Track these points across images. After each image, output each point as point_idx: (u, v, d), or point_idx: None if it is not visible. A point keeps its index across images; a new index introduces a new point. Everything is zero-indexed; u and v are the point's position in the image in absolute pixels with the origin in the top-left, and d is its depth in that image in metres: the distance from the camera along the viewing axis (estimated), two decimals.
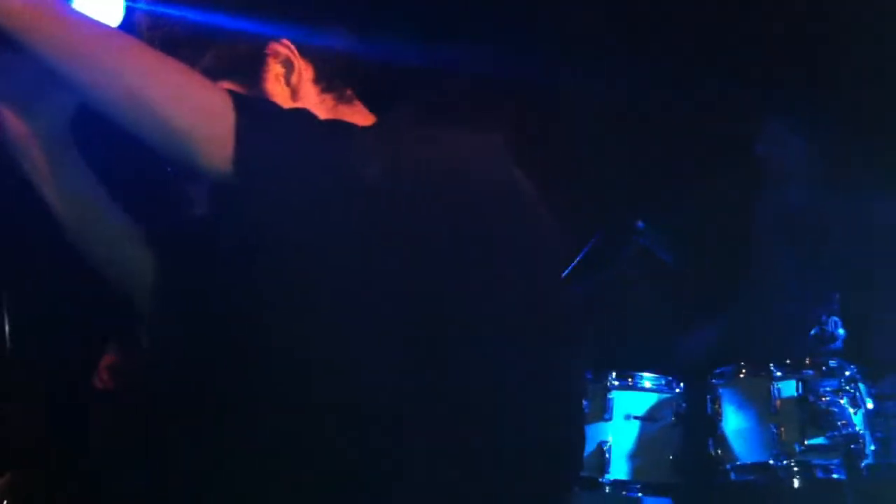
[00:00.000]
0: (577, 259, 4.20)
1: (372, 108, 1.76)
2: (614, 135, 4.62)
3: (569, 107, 4.50)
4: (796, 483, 3.69)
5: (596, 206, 4.52)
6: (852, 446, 3.68)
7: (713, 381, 4.01)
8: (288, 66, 1.65)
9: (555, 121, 4.51)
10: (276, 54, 1.65)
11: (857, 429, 3.69)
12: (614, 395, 4.02)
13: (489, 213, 1.56)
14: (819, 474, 3.70)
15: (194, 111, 1.37)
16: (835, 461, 3.68)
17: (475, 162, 1.60)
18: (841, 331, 3.96)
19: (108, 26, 1.48)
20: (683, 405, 4.04)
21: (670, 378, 4.11)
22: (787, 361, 3.89)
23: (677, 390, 4.08)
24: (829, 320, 3.97)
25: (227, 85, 1.56)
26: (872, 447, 3.72)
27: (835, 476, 3.68)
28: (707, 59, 4.42)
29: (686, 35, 4.44)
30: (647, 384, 4.09)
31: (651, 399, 4.05)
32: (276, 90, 1.65)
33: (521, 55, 4.06)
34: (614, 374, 4.06)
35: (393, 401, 1.44)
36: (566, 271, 4.09)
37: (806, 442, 3.72)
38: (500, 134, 1.68)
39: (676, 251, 4.51)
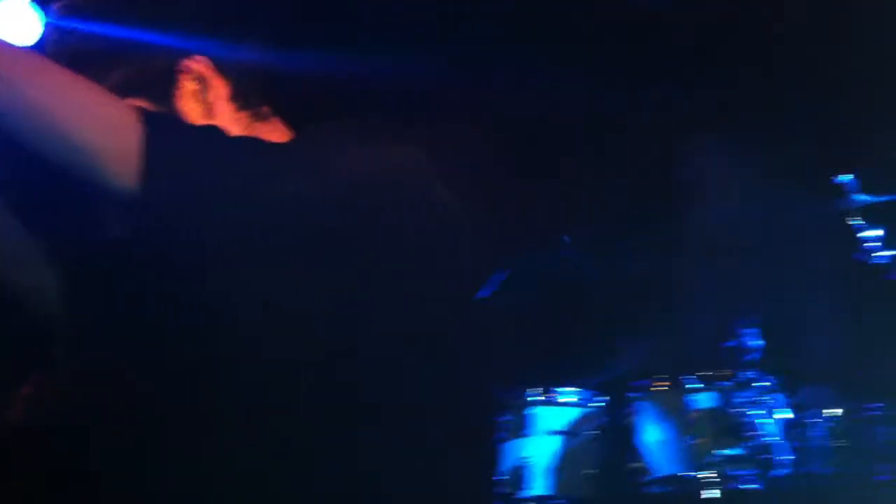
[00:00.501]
0: (502, 273, 4.20)
1: (292, 124, 1.73)
2: (543, 149, 4.63)
3: (498, 121, 4.50)
4: (713, 494, 3.73)
5: (522, 221, 4.52)
6: (768, 456, 3.74)
7: (631, 394, 4.04)
8: (202, 82, 1.62)
9: (484, 134, 4.49)
10: (190, 71, 1.62)
11: (774, 439, 3.76)
12: (534, 410, 4.03)
13: (407, 228, 1.56)
14: (735, 485, 3.74)
15: (100, 128, 1.35)
16: (751, 471, 3.74)
17: (394, 178, 1.60)
18: (758, 342, 4.04)
19: (10, 44, 1.44)
20: (603, 419, 4.06)
21: (590, 392, 4.13)
22: (705, 373, 3.94)
23: (597, 404, 4.10)
24: (747, 332, 4.05)
25: (137, 102, 1.53)
26: (789, 457, 3.78)
27: (751, 486, 3.73)
28: (635, 75, 4.45)
29: (615, 50, 4.46)
30: (568, 399, 4.11)
31: (571, 414, 4.07)
32: (190, 107, 1.61)
33: (451, 66, 4.04)
34: (535, 388, 4.08)
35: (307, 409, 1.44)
36: (491, 286, 4.10)
37: (722, 453, 3.77)
38: (423, 148, 1.68)
39: (601, 266, 4.56)
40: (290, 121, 1.74)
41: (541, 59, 4.35)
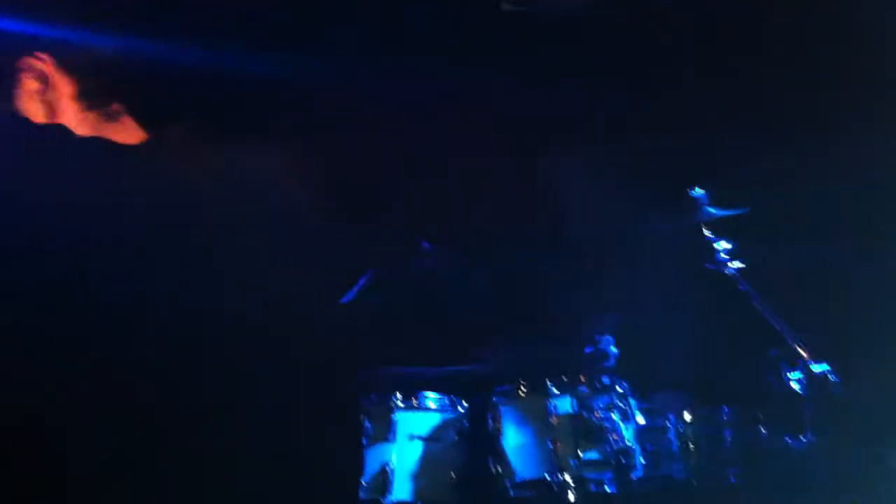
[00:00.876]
0: (366, 277, 4.19)
1: (147, 124, 1.69)
2: (406, 155, 4.61)
3: (363, 120, 4.46)
4: (571, 497, 3.80)
5: (386, 226, 4.49)
6: (623, 460, 3.84)
7: (494, 398, 4.09)
8: (44, 81, 1.57)
9: (346, 137, 4.44)
10: (31, 69, 1.56)
11: (628, 443, 3.85)
12: (398, 415, 4.04)
13: (266, 233, 1.55)
14: (592, 488, 3.82)
15: None
16: (607, 475, 3.83)
17: (252, 182, 1.58)
18: (614, 349, 4.14)
19: None
20: (466, 424, 4.09)
21: (453, 397, 4.16)
22: (564, 378, 4.02)
23: (460, 409, 4.13)
24: (603, 339, 4.15)
25: None
26: (642, 460, 3.88)
27: (607, 489, 3.81)
28: (499, 81, 4.47)
29: (483, 54, 4.47)
30: (431, 404, 4.13)
31: (434, 419, 4.09)
32: (31, 108, 1.56)
33: (318, 67, 3.99)
34: (398, 394, 4.08)
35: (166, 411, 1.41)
36: (354, 290, 4.09)
37: (580, 457, 3.84)
38: (284, 151, 1.66)
39: (464, 272, 4.59)
40: (144, 121, 1.69)
41: (409, 62, 4.35)
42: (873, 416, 3.57)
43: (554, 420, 3.94)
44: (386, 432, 4.00)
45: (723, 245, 3.92)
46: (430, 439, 4.04)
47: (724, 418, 3.95)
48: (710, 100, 4.39)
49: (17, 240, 1.35)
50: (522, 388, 4.06)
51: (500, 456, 3.96)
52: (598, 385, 4.01)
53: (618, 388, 4.00)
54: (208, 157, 1.56)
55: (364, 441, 3.92)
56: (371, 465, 3.93)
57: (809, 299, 3.96)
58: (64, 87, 1.58)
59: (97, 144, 1.52)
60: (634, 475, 3.85)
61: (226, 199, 1.50)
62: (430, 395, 4.16)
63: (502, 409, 4.06)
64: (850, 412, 3.57)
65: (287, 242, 1.57)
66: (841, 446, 3.61)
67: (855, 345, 3.80)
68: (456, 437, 4.06)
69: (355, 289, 4.06)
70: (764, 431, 3.86)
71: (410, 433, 4.03)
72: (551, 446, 3.88)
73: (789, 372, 3.65)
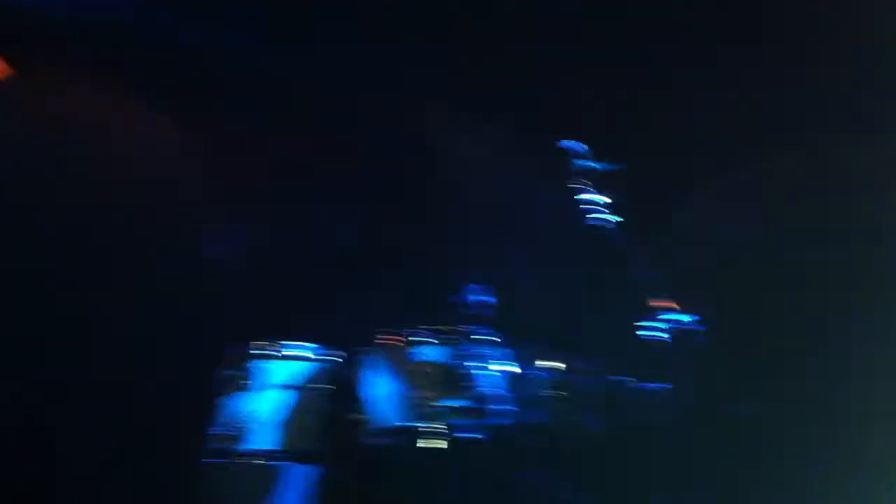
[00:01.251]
0: (235, 228, 4.09)
1: (13, 60, 1.58)
2: (293, 115, 4.48)
3: (248, 82, 4.30)
4: (436, 444, 3.84)
5: (262, 178, 4.36)
6: (487, 407, 3.90)
7: (359, 347, 4.08)
8: None
9: (226, 91, 4.27)
10: None
11: (496, 391, 3.91)
12: (262, 364, 3.98)
13: (134, 180, 1.48)
14: (458, 434, 3.87)
15: None
16: (473, 422, 3.88)
17: (123, 128, 1.51)
18: (484, 299, 4.18)
19: None
20: (331, 373, 4.07)
21: (318, 346, 4.13)
22: (431, 327, 4.04)
23: (325, 358, 4.10)
24: (470, 288, 4.18)
25: None
26: (506, 407, 3.94)
27: (471, 436, 3.86)
28: (381, 48, 4.38)
29: (364, 24, 4.36)
30: (295, 353, 4.08)
31: (299, 368, 4.05)
32: None
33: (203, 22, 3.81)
34: (262, 342, 4.02)
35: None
36: (223, 241, 3.99)
37: (446, 404, 3.88)
38: (161, 101, 1.59)
39: (329, 224, 4.55)
40: (11, 57, 1.58)
41: (294, 35, 4.22)
42: (736, 365, 3.70)
43: (420, 368, 3.97)
44: (249, 381, 3.94)
45: (595, 197, 3.97)
46: (295, 388, 4.00)
47: (590, 367, 4.04)
48: (586, 53, 4.39)
49: None
50: (389, 337, 4.07)
51: (365, 404, 3.97)
52: (464, 334, 4.04)
53: (483, 336, 4.05)
54: (74, 100, 1.47)
55: (228, 390, 3.85)
56: (233, 414, 3.86)
57: (680, 251, 4.05)
58: None
59: None
60: (498, 422, 3.91)
61: (91, 145, 1.42)
62: (295, 343, 4.10)
63: (367, 357, 4.07)
64: (713, 361, 3.68)
65: (152, 192, 1.51)
66: (702, 394, 3.74)
67: (722, 297, 3.91)
68: (320, 386, 4.03)
69: (225, 240, 3.95)
70: (628, 379, 3.97)
71: (274, 382, 3.98)
72: (416, 394, 3.91)
73: (655, 322, 3.74)
